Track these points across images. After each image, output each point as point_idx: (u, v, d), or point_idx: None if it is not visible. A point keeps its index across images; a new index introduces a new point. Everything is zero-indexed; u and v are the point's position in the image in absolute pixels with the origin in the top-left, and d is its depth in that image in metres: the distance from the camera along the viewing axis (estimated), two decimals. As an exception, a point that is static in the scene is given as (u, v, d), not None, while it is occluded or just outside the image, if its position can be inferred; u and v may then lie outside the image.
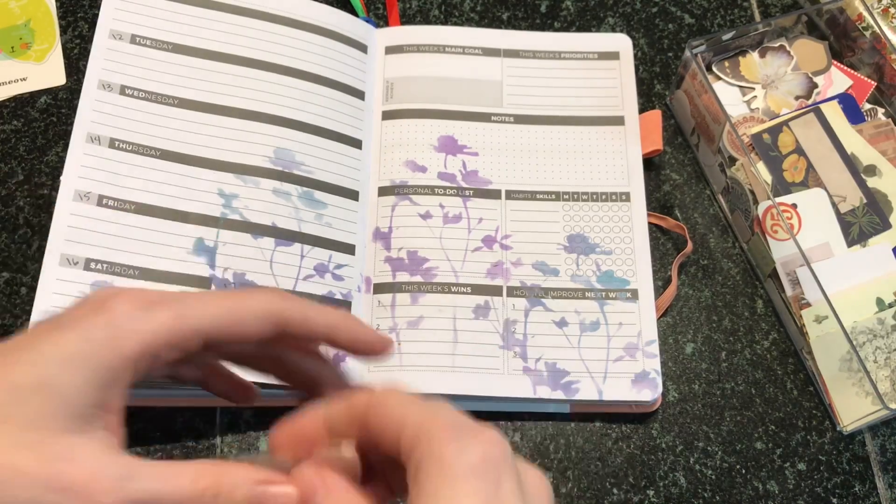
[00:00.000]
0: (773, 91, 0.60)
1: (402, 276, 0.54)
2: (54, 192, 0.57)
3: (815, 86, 0.60)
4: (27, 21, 0.63)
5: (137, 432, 0.52)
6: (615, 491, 0.52)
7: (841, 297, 0.52)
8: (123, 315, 0.29)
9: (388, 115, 0.59)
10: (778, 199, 0.55)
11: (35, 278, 0.48)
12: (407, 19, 0.65)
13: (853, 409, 0.51)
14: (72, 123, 0.51)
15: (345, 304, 0.53)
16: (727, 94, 0.60)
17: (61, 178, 0.50)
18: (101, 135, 0.51)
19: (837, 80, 0.61)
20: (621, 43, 0.62)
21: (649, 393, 0.52)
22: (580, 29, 0.65)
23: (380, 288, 0.54)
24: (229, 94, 0.55)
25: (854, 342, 0.50)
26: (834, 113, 0.58)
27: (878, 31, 0.59)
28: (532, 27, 0.65)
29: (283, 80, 0.56)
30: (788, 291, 0.54)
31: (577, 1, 0.66)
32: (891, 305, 0.53)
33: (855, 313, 0.53)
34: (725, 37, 0.59)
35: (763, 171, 0.57)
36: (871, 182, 0.57)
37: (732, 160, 0.56)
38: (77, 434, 0.28)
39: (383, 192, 0.57)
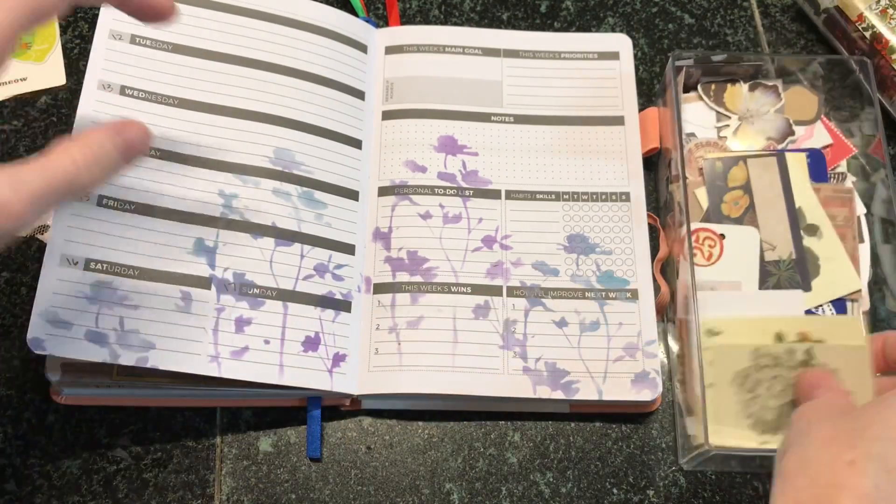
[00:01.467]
0: (747, 125, 0.59)
1: (402, 276, 0.54)
2: (54, 192, 0.57)
3: (792, 133, 0.59)
4: (27, 21, 0.62)
5: (137, 432, 0.52)
6: (615, 491, 0.52)
7: (735, 322, 0.51)
8: None
9: (387, 115, 0.59)
10: (710, 225, 0.55)
11: (35, 278, 0.48)
12: (407, 19, 0.65)
13: (725, 431, 0.49)
14: (72, 123, 0.51)
15: (345, 303, 0.53)
16: (702, 116, 0.59)
17: (61, 178, 0.50)
18: (101, 135, 0.51)
19: (819, 135, 0.59)
20: (621, 43, 0.62)
21: (649, 393, 0.52)
22: (580, 29, 0.65)
23: (380, 288, 0.54)
24: (229, 94, 0.55)
25: (755, 363, 0.49)
26: (797, 164, 0.57)
27: (875, 31, 0.59)
28: (532, 27, 0.65)
29: (283, 80, 0.56)
30: (679, 314, 0.53)
31: (577, 1, 0.66)
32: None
33: (747, 338, 0.51)
34: (717, 58, 0.58)
35: (702, 197, 0.57)
36: (808, 241, 0.55)
37: (676, 177, 0.55)
38: None
39: (383, 192, 0.57)
